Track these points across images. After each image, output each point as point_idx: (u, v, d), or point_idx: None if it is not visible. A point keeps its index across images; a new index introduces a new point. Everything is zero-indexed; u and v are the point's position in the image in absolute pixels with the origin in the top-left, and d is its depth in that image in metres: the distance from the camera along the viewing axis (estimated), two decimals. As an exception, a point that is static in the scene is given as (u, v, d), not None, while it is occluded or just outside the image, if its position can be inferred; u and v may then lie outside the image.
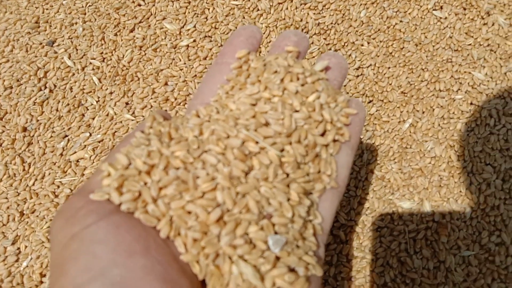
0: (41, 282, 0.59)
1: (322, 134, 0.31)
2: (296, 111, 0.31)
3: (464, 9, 0.75)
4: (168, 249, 0.25)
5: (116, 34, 0.75)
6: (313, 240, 0.28)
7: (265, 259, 0.26)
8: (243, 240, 0.26)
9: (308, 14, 0.75)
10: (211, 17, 0.75)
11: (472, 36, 0.72)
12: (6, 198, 0.64)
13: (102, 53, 0.74)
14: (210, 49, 0.73)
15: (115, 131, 0.67)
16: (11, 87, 0.71)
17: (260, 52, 0.71)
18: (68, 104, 0.70)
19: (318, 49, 0.72)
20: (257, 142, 0.29)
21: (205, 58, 0.72)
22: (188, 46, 0.74)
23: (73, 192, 0.63)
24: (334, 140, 0.32)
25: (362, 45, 0.73)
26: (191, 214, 0.26)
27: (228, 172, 0.27)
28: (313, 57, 0.72)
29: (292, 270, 0.26)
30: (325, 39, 0.74)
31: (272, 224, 0.27)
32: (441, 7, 0.75)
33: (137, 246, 0.24)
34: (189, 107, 0.34)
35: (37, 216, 0.63)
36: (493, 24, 0.73)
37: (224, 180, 0.27)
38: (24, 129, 0.69)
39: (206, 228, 0.26)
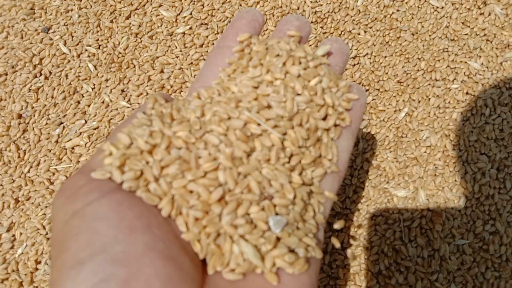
0: (36, 269, 0.59)
1: (324, 118, 0.31)
2: (298, 94, 0.31)
3: (461, -2, 0.74)
4: (169, 227, 0.25)
5: (112, 21, 0.74)
6: (313, 222, 0.28)
7: (266, 239, 0.26)
8: (244, 220, 0.26)
9: (305, 2, 0.74)
10: (208, 5, 0.74)
11: (469, 26, 0.72)
12: (1, 185, 0.63)
13: (97, 40, 0.73)
14: (207, 37, 0.72)
15: (111, 118, 0.67)
16: (6, 74, 0.70)
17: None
18: (63, 91, 0.69)
19: (315, 37, 0.71)
20: (259, 124, 0.29)
21: (201, 46, 0.71)
22: (184, 33, 0.73)
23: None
24: (335, 125, 0.32)
25: (359, 34, 0.72)
26: (192, 193, 0.26)
27: (230, 153, 0.27)
28: (310, 45, 0.71)
29: (292, 251, 0.26)
30: (322, 27, 0.73)
31: (273, 205, 0.27)
32: (438, -3, 0.74)
33: (138, 223, 0.24)
34: (191, 90, 0.34)
35: (32, 203, 0.62)
36: (489, 14, 0.72)
37: (226, 160, 0.27)
38: (19, 116, 0.68)
39: (208, 207, 0.26)
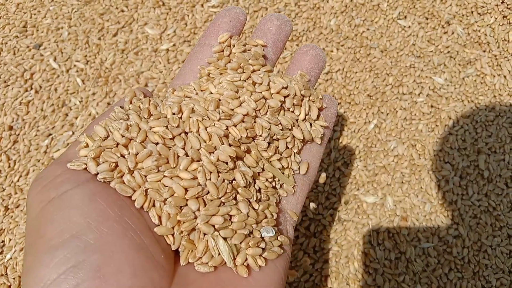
0: (24, 273, 0.58)
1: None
2: (285, 107, 0.32)
3: (427, 18, 0.75)
4: (142, 218, 0.25)
5: (99, 38, 0.74)
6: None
7: (250, 240, 0.26)
8: (223, 218, 0.26)
9: (281, 21, 0.74)
10: (191, 23, 0.75)
11: (434, 44, 0.73)
12: (-9, 193, 0.63)
13: (86, 56, 0.73)
14: (189, 53, 0.72)
15: (97, 130, 0.66)
16: (-2, 88, 0.70)
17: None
18: (52, 104, 0.68)
19: (291, 54, 0.72)
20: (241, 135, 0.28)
21: (183, 62, 0.71)
22: (168, 50, 0.73)
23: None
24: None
25: (332, 51, 0.73)
26: (167, 188, 0.26)
27: (216, 158, 0.26)
28: (286, 61, 0.71)
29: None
30: (297, 45, 0.73)
31: (255, 211, 0.27)
32: (405, 17, 0.75)
33: (111, 213, 0.23)
34: (170, 86, 0.33)
35: (21, 210, 0.62)
36: (452, 33, 0.73)
37: (209, 164, 0.26)
38: (10, 128, 0.67)
39: (183, 203, 0.25)
